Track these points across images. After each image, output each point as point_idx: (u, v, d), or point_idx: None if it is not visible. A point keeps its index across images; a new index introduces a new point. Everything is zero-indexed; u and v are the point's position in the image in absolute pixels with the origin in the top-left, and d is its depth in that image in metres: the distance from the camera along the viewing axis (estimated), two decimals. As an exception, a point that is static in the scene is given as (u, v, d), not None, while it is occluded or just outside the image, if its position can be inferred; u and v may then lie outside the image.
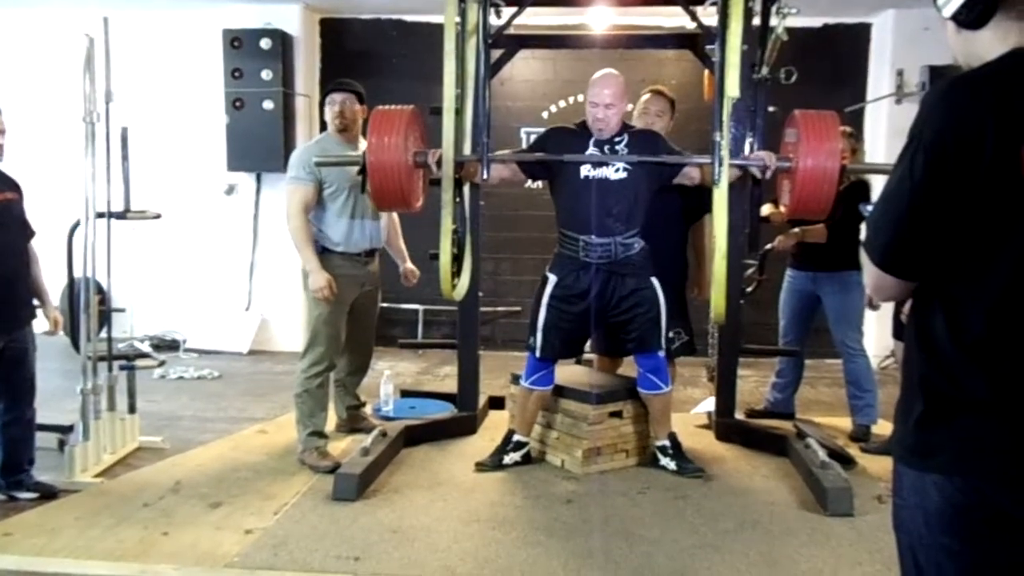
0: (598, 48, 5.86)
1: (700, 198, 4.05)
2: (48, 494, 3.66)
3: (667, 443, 3.97)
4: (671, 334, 4.07)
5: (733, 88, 3.46)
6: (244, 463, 4.09)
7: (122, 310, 6.82)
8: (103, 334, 4.34)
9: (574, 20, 6.49)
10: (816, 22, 7.03)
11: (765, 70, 4.00)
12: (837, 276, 4.57)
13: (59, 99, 6.51)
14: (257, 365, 6.84)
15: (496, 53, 4.36)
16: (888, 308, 4.41)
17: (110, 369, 4.26)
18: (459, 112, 3.70)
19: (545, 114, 7.32)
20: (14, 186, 3.70)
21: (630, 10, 6.31)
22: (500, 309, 7.28)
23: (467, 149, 3.81)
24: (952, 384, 1.40)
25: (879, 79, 7.04)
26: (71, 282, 4.59)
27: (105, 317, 4.42)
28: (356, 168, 3.79)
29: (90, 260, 4.02)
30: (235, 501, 3.58)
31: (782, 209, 4.10)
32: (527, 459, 4.04)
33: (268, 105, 7.01)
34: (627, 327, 3.85)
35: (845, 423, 4.74)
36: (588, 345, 4.43)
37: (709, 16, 4.07)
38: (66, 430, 4.15)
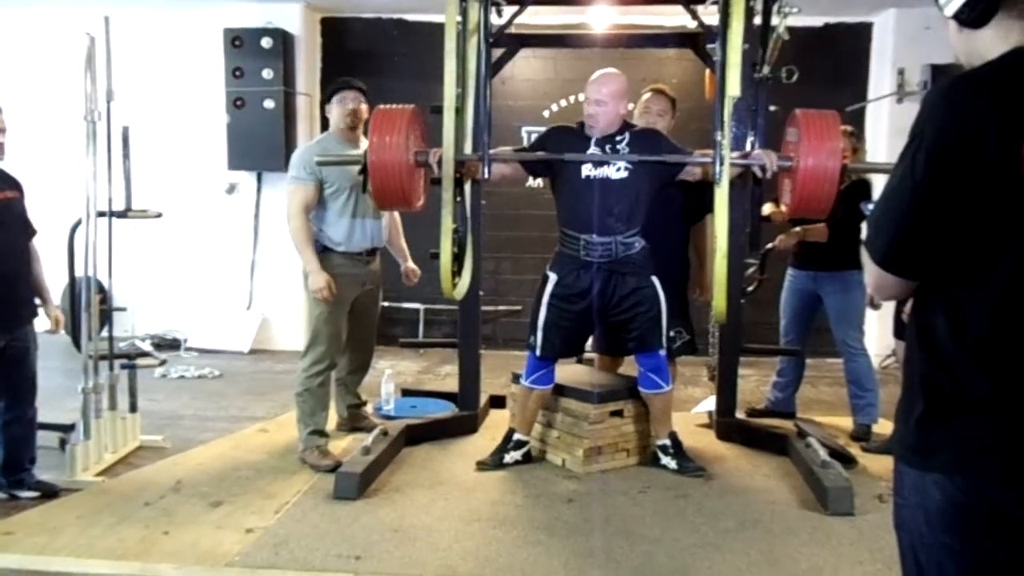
0: (599, 47, 5.86)
1: (701, 197, 4.05)
2: (49, 493, 3.66)
3: (668, 442, 3.97)
4: (672, 333, 4.07)
5: (734, 87, 3.46)
6: (245, 462, 4.09)
7: (123, 309, 6.85)
8: (104, 333, 4.35)
9: (575, 19, 6.48)
10: (817, 21, 7.03)
11: (766, 69, 4.00)
12: (838, 275, 4.57)
13: (60, 98, 6.51)
14: (258, 364, 6.84)
15: (497, 52, 4.37)
16: (889, 307, 4.41)
17: (111, 368, 4.26)
18: (460, 111, 3.70)
19: (546, 113, 7.32)
20: (15, 185, 3.70)
21: (631, 9, 6.32)
22: (501, 308, 7.28)
23: (468, 148, 3.81)
24: (953, 383, 1.40)
25: (880, 78, 7.04)
26: (72, 281, 4.60)
27: (106, 316, 4.43)
28: (357, 167, 3.79)
29: (91, 259, 4.02)
30: (236, 500, 3.58)
31: (783, 208, 4.09)
32: (528, 458, 4.04)
33: (269, 104, 7.01)
34: (628, 326, 3.85)
35: (846, 422, 4.74)
36: (589, 344, 4.43)
37: (710, 15, 4.07)
38: (67, 429, 4.16)
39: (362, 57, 7.43)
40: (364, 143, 3.89)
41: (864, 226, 1.50)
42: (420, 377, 6.45)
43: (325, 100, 4.25)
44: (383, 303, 4.69)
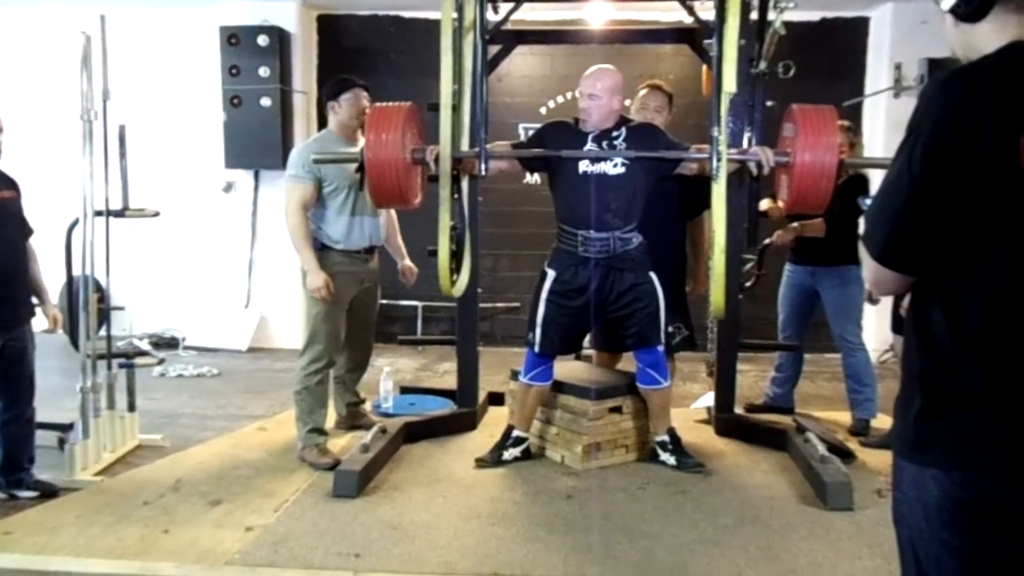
0: (595, 43, 5.86)
1: (699, 193, 4.04)
2: (48, 492, 3.66)
3: (667, 438, 3.98)
4: (671, 329, 4.07)
5: (731, 83, 3.46)
6: (244, 461, 4.09)
7: (121, 308, 6.82)
8: (102, 332, 4.34)
9: (571, 15, 6.48)
10: (814, 16, 7.03)
11: (763, 64, 4.00)
12: (836, 270, 4.57)
13: (57, 97, 6.51)
14: (256, 362, 6.84)
15: (493, 49, 4.35)
16: (887, 302, 4.42)
17: (109, 367, 4.26)
18: (456, 108, 3.70)
19: (543, 110, 7.32)
20: (12, 184, 3.70)
21: (627, 5, 6.32)
22: (499, 305, 7.28)
23: (465, 145, 3.81)
24: (951, 378, 1.40)
25: (877, 73, 7.04)
26: (70, 280, 4.58)
27: (104, 315, 4.42)
28: (355, 165, 3.78)
29: (89, 258, 4.01)
30: (235, 499, 3.59)
31: (780, 204, 4.09)
32: (527, 455, 4.05)
33: (266, 102, 7.00)
34: (626, 322, 3.85)
35: (844, 417, 4.74)
36: (587, 341, 4.44)
37: (706, 11, 4.06)
38: (66, 428, 4.16)
39: (358, 54, 7.42)
40: (363, 141, 3.88)
41: (861, 221, 1.50)
42: (419, 374, 6.45)
43: (330, 97, 4.18)
44: (381, 300, 4.69)
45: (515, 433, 4.04)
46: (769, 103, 4.08)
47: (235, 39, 7.01)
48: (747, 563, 2.99)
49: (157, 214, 4.52)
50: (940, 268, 1.40)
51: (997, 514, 1.36)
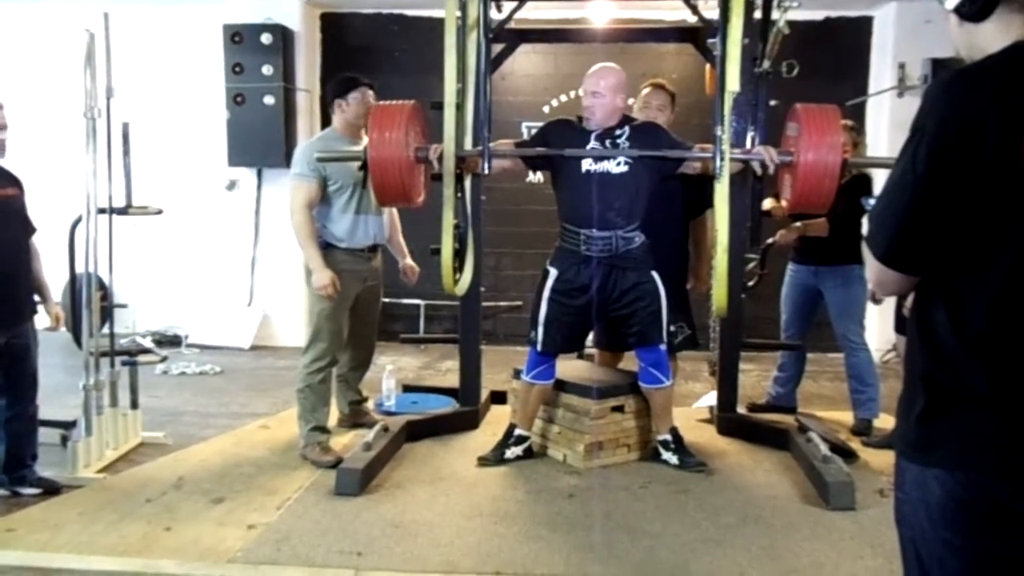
0: (599, 42, 5.84)
1: (702, 192, 4.04)
2: (51, 490, 3.66)
3: (669, 437, 3.98)
4: (673, 328, 4.07)
5: (734, 82, 3.46)
6: (246, 458, 4.09)
7: (124, 306, 6.85)
8: (105, 330, 4.34)
9: (575, 14, 6.48)
10: (818, 15, 7.02)
11: (766, 64, 3.99)
12: (839, 270, 4.56)
13: (60, 95, 6.50)
14: (259, 360, 6.85)
15: (497, 47, 4.36)
16: (890, 302, 4.41)
17: (112, 365, 4.26)
18: (460, 107, 3.69)
19: (546, 108, 7.31)
20: (15, 182, 3.70)
21: (631, 4, 6.32)
22: (502, 304, 7.28)
23: (468, 143, 3.81)
24: (954, 378, 1.39)
25: (881, 72, 7.03)
26: (73, 278, 4.59)
27: (107, 313, 4.43)
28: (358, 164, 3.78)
29: (92, 256, 4.02)
30: (237, 496, 3.59)
31: (784, 203, 4.09)
32: (529, 453, 4.05)
33: (269, 100, 7.00)
34: (628, 321, 3.85)
35: (847, 417, 4.74)
36: (589, 340, 4.43)
37: (710, 10, 4.06)
38: (69, 426, 4.16)
39: (362, 53, 7.42)
40: (366, 140, 3.88)
41: (865, 221, 1.49)
42: (421, 373, 6.45)
43: (338, 95, 4.16)
44: (384, 299, 4.69)
45: (517, 432, 4.04)
46: (773, 102, 4.08)
47: (238, 37, 7.01)
48: (749, 562, 2.99)
49: (160, 212, 4.53)
50: (944, 268, 1.40)
51: (1000, 514, 1.36)
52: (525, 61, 7.19)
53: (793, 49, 4.05)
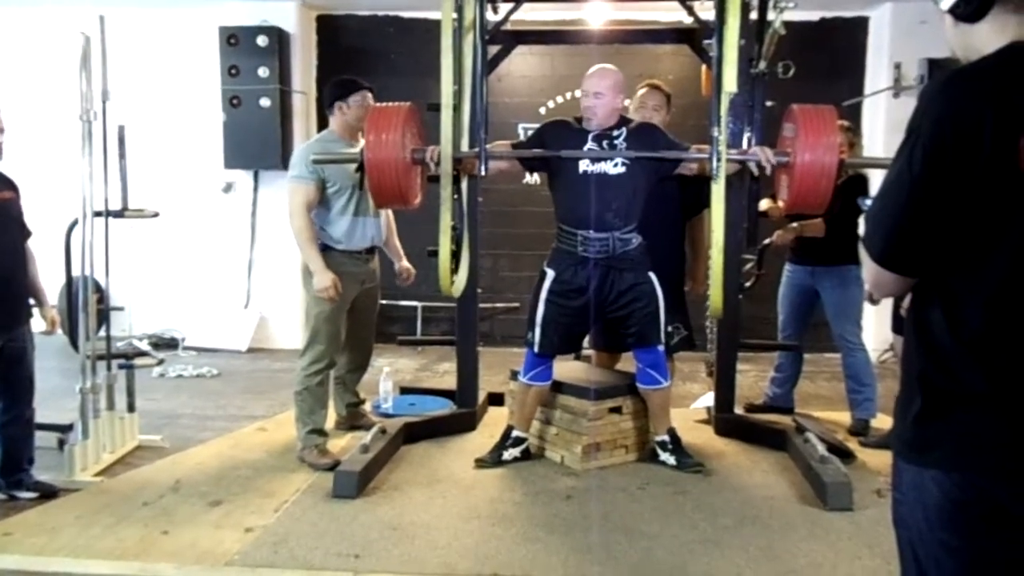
0: (595, 43, 5.84)
1: (698, 193, 4.04)
2: (48, 493, 3.66)
3: (666, 438, 3.98)
4: (670, 329, 4.07)
5: (730, 83, 3.46)
6: (244, 461, 4.09)
7: (121, 309, 6.83)
8: (102, 333, 4.34)
9: (571, 15, 6.48)
10: (813, 16, 7.04)
11: (763, 64, 4.00)
12: (836, 270, 4.57)
13: (56, 98, 6.49)
14: (256, 363, 6.84)
15: (493, 49, 4.35)
16: (886, 302, 4.40)
17: (109, 368, 4.26)
18: (456, 108, 3.69)
19: (542, 110, 7.32)
20: (11, 185, 3.69)
21: (627, 5, 6.32)
22: (499, 305, 7.27)
23: (465, 145, 3.81)
24: (950, 379, 1.40)
25: (877, 73, 7.04)
26: (69, 281, 4.58)
27: (104, 316, 4.42)
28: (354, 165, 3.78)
29: (88, 259, 4.01)
30: (235, 499, 3.58)
31: (780, 204, 4.09)
32: (526, 455, 4.04)
33: (265, 102, 7.00)
34: (626, 322, 3.85)
35: (844, 417, 4.74)
36: (586, 341, 4.43)
37: (706, 11, 4.06)
38: (65, 429, 4.15)
39: (358, 55, 7.42)
40: (363, 142, 3.88)
41: (861, 221, 1.49)
42: (418, 375, 6.45)
43: (338, 98, 4.14)
44: (381, 301, 4.69)
45: (515, 433, 4.04)
46: (769, 103, 4.08)
47: (234, 39, 7.01)
48: (747, 563, 2.99)
49: (156, 215, 4.52)
50: (940, 269, 1.40)
51: (997, 515, 1.36)
52: (521, 62, 7.20)
53: (789, 50, 4.05)
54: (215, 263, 7.43)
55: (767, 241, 4.70)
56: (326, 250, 4.08)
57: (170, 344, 7.22)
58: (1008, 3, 1.39)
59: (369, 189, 3.72)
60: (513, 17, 4.33)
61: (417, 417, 4.52)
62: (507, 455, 4.00)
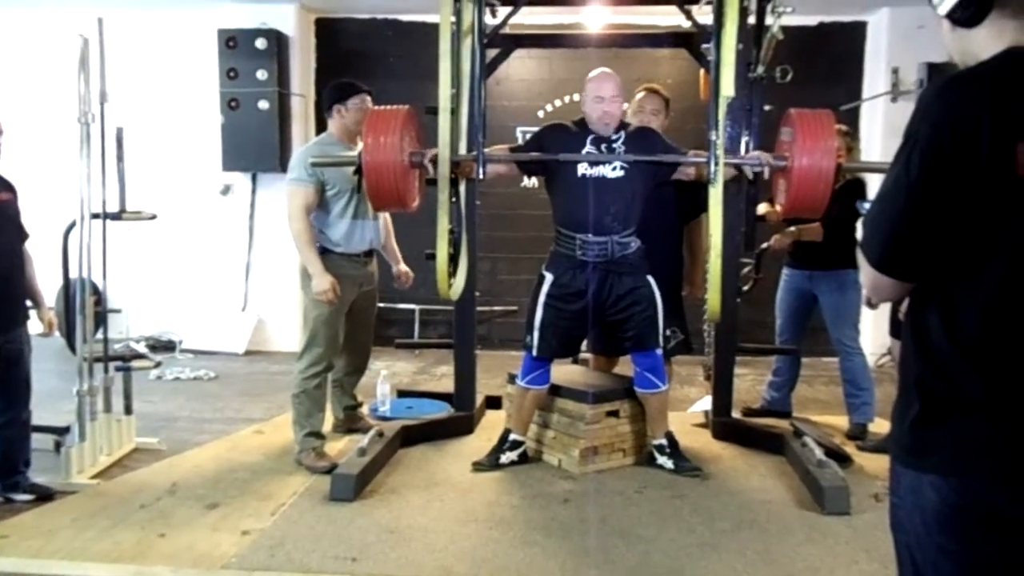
0: (593, 47, 5.86)
1: (696, 197, 4.04)
2: (44, 496, 3.65)
3: (664, 442, 3.97)
4: (667, 333, 4.07)
5: (728, 87, 3.47)
6: (241, 464, 4.08)
7: (118, 311, 6.78)
8: (99, 335, 4.33)
9: (569, 19, 6.48)
10: (811, 20, 7.04)
11: (761, 69, 4.01)
12: (833, 274, 4.57)
13: (54, 100, 6.47)
14: (253, 365, 6.83)
15: (491, 53, 4.36)
16: (884, 306, 4.40)
17: (106, 370, 4.25)
18: (455, 112, 3.70)
19: (541, 113, 7.32)
20: (9, 187, 3.69)
21: (625, 9, 6.32)
22: (497, 308, 7.28)
23: (463, 148, 3.81)
24: (948, 384, 1.40)
25: (875, 77, 7.05)
26: (67, 283, 4.59)
27: (101, 318, 4.42)
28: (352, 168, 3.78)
29: (86, 261, 4.01)
30: (232, 502, 3.58)
31: (778, 208, 4.10)
32: (524, 458, 4.04)
33: (263, 105, 7.00)
34: (624, 326, 3.85)
35: (842, 421, 4.75)
36: (584, 344, 4.43)
37: (704, 15, 4.07)
38: (62, 432, 4.14)
39: (357, 58, 7.42)
40: (362, 145, 3.88)
41: (859, 225, 1.50)
42: (416, 378, 6.44)
43: (337, 100, 4.13)
44: (379, 304, 4.69)
45: (512, 437, 4.03)
46: (767, 107, 4.09)
47: (233, 42, 7.01)
48: (744, 567, 2.99)
49: (154, 217, 4.52)
50: (937, 274, 1.40)
51: (994, 520, 1.36)
52: (520, 66, 7.20)
53: (787, 54, 4.06)
54: (213, 266, 7.42)
55: (765, 245, 4.70)
56: (325, 253, 4.08)
57: (167, 346, 7.21)
58: (1006, 8, 1.39)
59: (367, 192, 3.72)
60: (512, 21, 4.34)
61: (415, 420, 4.51)
62: (504, 458, 3.99)
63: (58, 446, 4.07)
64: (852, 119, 6.62)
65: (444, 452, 4.23)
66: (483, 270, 6.55)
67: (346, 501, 3.52)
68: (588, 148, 3.78)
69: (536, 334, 3.87)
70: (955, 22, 1.44)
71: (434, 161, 3.66)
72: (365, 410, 4.76)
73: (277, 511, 3.47)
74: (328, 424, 4.36)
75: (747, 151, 3.92)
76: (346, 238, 4.12)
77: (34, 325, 3.80)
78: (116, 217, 4.20)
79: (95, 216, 4.07)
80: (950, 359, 1.39)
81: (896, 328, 4.16)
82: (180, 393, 5.82)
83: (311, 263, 4.00)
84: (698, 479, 3.85)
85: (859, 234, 1.48)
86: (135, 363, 5.02)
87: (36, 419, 3.85)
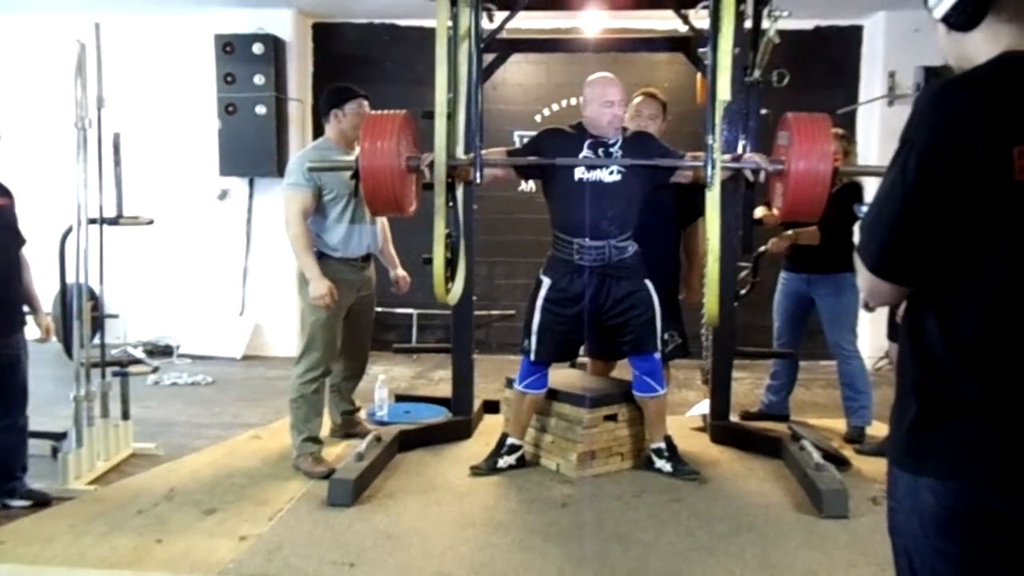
0: (591, 51, 5.86)
1: (693, 200, 4.05)
2: (41, 502, 3.64)
3: (662, 446, 3.97)
4: (665, 336, 4.07)
5: (725, 91, 3.48)
6: (238, 469, 4.07)
7: (115, 316, 6.82)
8: (96, 340, 4.33)
9: (567, 23, 6.50)
10: (808, 24, 7.06)
11: (757, 73, 4.02)
12: (831, 278, 4.57)
13: (51, 105, 6.49)
14: (251, 370, 6.82)
15: (488, 57, 4.37)
16: (882, 310, 4.42)
17: (103, 375, 4.24)
18: (452, 116, 3.70)
19: (538, 117, 7.32)
20: (6, 192, 3.68)
21: (622, 13, 6.33)
22: (494, 313, 7.28)
23: (460, 152, 3.81)
24: (945, 387, 1.40)
25: (871, 81, 7.07)
26: (63, 288, 4.57)
27: (98, 323, 4.42)
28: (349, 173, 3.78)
29: (83, 266, 4.00)
30: (229, 507, 3.57)
31: (775, 211, 4.10)
32: (521, 463, 4.04)
33: (261, 110, 6.99)
34: (622, 330, 3.85)
35: (840, 425, 4.75)
36: (582, 348, 4.43)
37: (701, 19, 4.07)
38: (59, 437, 4.14)
39: (354, 62, 7.42)
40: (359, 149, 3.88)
41: (856, 229, 1.50)
42: (414, 382, 6.44)
43: (334, 105, 4.13)
44: (377, 308, 4.69)
45: (510, 441, 4.03)
46: (763, 111, 4.10)
47: (230, 47, 7.00)
48: (742, 571, 2.99)
49: (151, 222, 4.52)
50: (934, 278, 1.40)
51: (992, 523, 1.36)
52: (517, 70, 7.20)
53: (784, 58, 4.07)
54: (210, 270, 7.42)
55: (762, 249, 4.70)
56: (322, 257, 4.08)
57: (165, 352, 7.20)
58: (1001, 12, 1.39)
59: (364, 197, 3.72)
60: (509, 25, 4.34)
61: (412, 425, 4.52)
62: (502, 463, 3.99)
63: (55, 452, 4.06)
64: (849, 123, 6.63)
65: (442, 457, 4.23)
66: (480, 274, 6.54)
67: (344, 506, 3.52)
68: (585, 152, 3.78)
69: (534, 338, 3.87)
70: (951, 26, 1.45)
71: (431, 165, 3.66)
72: (363, 415, 4.77)
73: (275, 516, 3.46)
74: (326, 429, 4.36)
75: (744, 155, 3.92)
76: (343, 243, 4.12)
77: (31, 331, 3.79)
78: (113, 222, 4.20)
79: (92, 221, 4.07)
80: (947, 363, 1.39)
81: (894, 331, 4.17)
82: (177, 398, 5.81)
83: (308, 268, 3.99)
84: (696, 483, 3.85)
85: (856, 238, 1.48)
86: (132, 368, 5.01)
87: (33, 425, 3.84)
